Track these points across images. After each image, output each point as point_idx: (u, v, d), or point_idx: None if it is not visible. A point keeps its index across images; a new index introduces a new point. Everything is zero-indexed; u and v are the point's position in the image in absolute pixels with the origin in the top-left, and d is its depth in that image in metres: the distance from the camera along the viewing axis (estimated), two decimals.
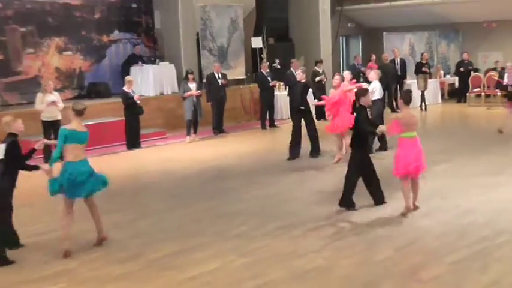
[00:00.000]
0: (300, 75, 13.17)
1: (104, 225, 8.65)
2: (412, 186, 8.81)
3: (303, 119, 12.98)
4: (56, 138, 13.51)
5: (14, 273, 7.10)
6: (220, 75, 16.97)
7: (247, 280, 6.62)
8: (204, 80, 17.93)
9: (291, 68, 17.19)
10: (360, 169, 9.05)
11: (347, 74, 13.17)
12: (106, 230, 8.51)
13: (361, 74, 20.32)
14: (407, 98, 8.94)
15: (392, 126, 8.85)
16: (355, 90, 10.16)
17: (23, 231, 8.33)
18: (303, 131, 13.04)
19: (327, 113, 13.53)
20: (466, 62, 21.82)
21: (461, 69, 21.78)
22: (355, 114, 9.06)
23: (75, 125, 7.73)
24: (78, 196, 7.66)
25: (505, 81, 19.87)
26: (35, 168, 7.62)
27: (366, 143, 9.31)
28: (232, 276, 6.78)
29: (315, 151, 13.08)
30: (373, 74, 13.15)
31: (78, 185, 7.51)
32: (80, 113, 7.78)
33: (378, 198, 9.22)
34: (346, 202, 9.09)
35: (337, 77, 12.79)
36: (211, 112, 16.89)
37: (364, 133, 9.02)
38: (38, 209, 9.87)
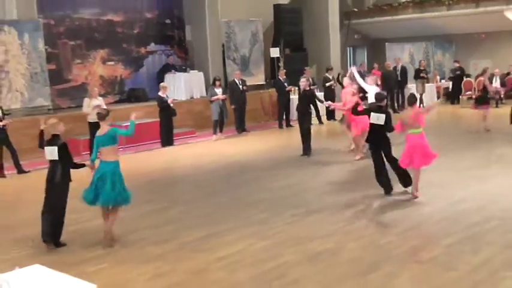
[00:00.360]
0: (303, 83, 12.93)
1: (141, 212, 8.73)
2: (413, 176, 8.81)
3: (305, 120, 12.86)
4: None
5: (63, 255, 7.17)
6: (240, 82, 16.94)
7: (266, 261, 6.61)
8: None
9: (304, 75, 17.19)
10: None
11: (346, 80, 13.05)
12: (143, 216, 8.58)
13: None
14: (409, 100, 9.09)
15: (397, 125, 8.91)
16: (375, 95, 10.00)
17: (73, 218, 8.40)
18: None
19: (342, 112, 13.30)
20: (456, 68, 21.68)
21: (451, 74, 21.75)
22: (380, 113, 8.95)
23: (99, 130, 7.61)
24: (94, 204, 7.50)
25: (493, 85, 19.73)
26: (82, 166, 7.59)
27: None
28: (254, 257, 6.77)
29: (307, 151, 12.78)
30: (369, 81, 13.03)
31: (96, 190, 7.36)
32: (99, 118, 7.60)
33: (387, 187, 9.17)
34: (408, 181, 9.05)
35: (355, 86, 12.61)
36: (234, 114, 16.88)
37: (392, 129, 8.98)
38: None
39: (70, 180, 7.45)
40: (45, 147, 7.38)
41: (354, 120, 12.08)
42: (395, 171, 9.14)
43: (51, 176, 7.39)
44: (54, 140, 7.39)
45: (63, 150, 7.34)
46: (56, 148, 7.28)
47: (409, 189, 9.01)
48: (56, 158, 7.28)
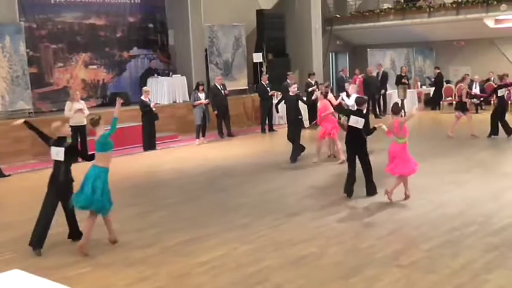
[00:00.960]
0: (293, 89, 13.05)
1: (124, 216, 8.68)
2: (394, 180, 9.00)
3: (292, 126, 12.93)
4: (82, 140, 13.64)
5: (44, 259, 7.09)
6: (222, 87, 16.93)
7: (249, 265, 6.61)
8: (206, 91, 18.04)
9: (287, 80, 17.25)
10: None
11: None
12: (126, 220, 8.52)
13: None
14: (394, 110, 9.30)
15: (387, 132, 9.08)
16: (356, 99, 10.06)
17: (55, 221, 8.33)
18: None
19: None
20: (429, 76, 22.22)
21: (429, 82, 22.22)
22: (359, 117, 9.13)
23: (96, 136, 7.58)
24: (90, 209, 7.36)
25: (473, 91, 19.97)
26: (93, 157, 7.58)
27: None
28: (237, 261, 6.76)
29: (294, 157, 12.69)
30: (351, 89, 13.24)
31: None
32: (92, 124, 7.55)
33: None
34: (371, 192, 9.31)
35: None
36: (216, 119, 16.84)
37: (369, 132, 9.13)
38: None
39: (72, 180, 7.47)
40: (52, 147, 7.39)
41: (320, 125, 12.45)
42: (365, 177, 9.31)
43: (54, 176, 7.41)
44: (60, 141, 7.41)
45: (72, 152, 7.48)
46: (62, 149, 7.29)
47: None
48: (61, 159, 7.29)
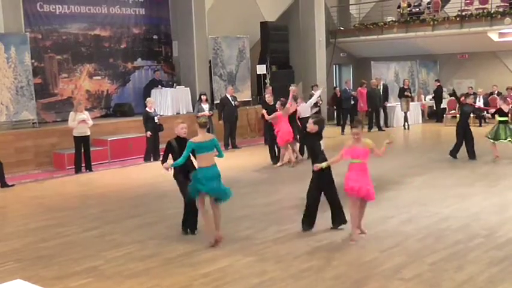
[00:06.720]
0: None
1: (126, 227, 8.67)
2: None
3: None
4: (85, 150, 13.66)
5: (47, 270, 7.06)
6: (232, 98, 16.99)
7: (251, 277, 6.57)
8: (216, 102, 18.06)
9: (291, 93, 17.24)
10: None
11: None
12: (128, 231, 8.50)
13: (351, 97, 20.34)
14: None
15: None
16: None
17: (57, 231, 8.34)
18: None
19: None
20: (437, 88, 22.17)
21: (433, 95, 22.25)
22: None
23: (200, 137, 8.09)
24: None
25: (477, 104, 19.99)
26: None
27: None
28: (238, 273, 6.73)
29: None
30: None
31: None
32: (203, 126, 8.27)
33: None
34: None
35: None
36: (222, 130, 16.84)
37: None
38: (71, 212, 9.85)
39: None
40: None
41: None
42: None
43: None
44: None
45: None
46: None
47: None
48: None
